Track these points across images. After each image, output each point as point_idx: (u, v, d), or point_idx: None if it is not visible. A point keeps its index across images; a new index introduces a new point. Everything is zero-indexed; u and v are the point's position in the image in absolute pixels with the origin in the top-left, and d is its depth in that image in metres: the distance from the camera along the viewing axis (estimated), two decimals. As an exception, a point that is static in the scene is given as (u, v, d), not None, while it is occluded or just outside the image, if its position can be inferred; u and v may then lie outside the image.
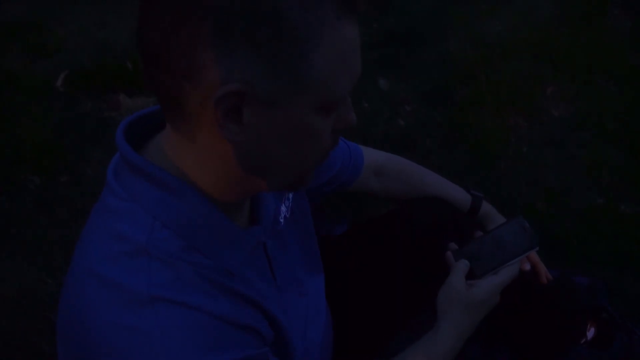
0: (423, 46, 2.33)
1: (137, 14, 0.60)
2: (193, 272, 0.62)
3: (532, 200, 1.74)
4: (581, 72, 2.16)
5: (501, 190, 1.78)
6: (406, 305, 1.02)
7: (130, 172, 0.64)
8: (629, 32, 2.36)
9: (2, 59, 2.28)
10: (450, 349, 0.87)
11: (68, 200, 1.77)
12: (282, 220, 0.81)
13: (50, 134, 1.98)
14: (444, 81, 2.17)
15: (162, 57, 0.56)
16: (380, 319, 1.02)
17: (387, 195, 1.13)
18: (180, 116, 0.60)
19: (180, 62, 0.55)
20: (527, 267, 0.97)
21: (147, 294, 0.58)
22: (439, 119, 2.03)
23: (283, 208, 0.83)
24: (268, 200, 0.76)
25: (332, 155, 0.96)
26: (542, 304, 1.08)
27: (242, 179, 0.64)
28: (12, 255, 1.64)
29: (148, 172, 0.63)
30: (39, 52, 2.30)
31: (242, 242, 0.68)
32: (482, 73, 2.17)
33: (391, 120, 2.04)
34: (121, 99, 2.09)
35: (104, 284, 0.60)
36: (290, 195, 0.85)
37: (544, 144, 1.93)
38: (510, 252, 0.89)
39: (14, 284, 1.57)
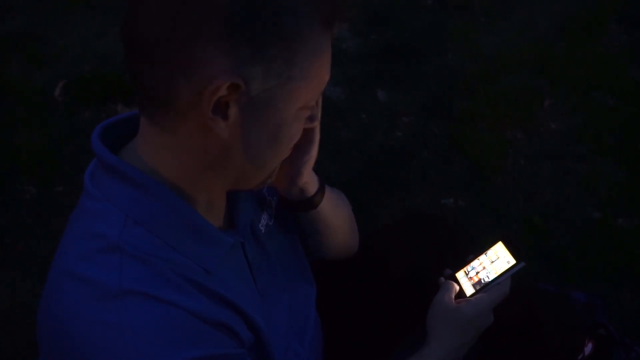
0: (421, 59, 2.33)
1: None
2: (167, 268, 0.62)
3: (529, 213, 1.74)
4: (579, 85, 2.17)
5: (498, 204, 1.77)
6: (402, 324, 1.01)
7: (105, 173, 0.65)
8: (627, 46, 2.37)
9: (1, 69, 2.28)
10: None
11: (64, 210, 1.76)
12: (262, 228, 0.81)
13: (47, 144, 1.97)
14: (442, 94, 2.17)
15: (158, 50, 0.58)
16: (375, 338, 1.01)
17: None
18: (164, 109, 0.61)
19: (178, 55, 0.57)
20: None
21: (119, 289, 0.59)
22: (436, 132, 2.03)
23: (265, 215, 0.83)
24: (246, 206, 0.76)
25: None
26: (539, 320, 1.07)
27: (218, 174, 0.66)
28: (6, 267, 1.63)
29: (122, 171, 0.64)
30: (38, 63, 2.31)
31: (217, 241, 0.68)
32: (480, 86, 2.17)
33: (389, 132, 2.04)
34: (119, 108, 2.09)
35: (76, 281, 0.60)
36: (274, 203, 0.85)
37: (542, 158, 1.92)
38: (499, 271, 0.90)
39: (8, 295, 1.55)
